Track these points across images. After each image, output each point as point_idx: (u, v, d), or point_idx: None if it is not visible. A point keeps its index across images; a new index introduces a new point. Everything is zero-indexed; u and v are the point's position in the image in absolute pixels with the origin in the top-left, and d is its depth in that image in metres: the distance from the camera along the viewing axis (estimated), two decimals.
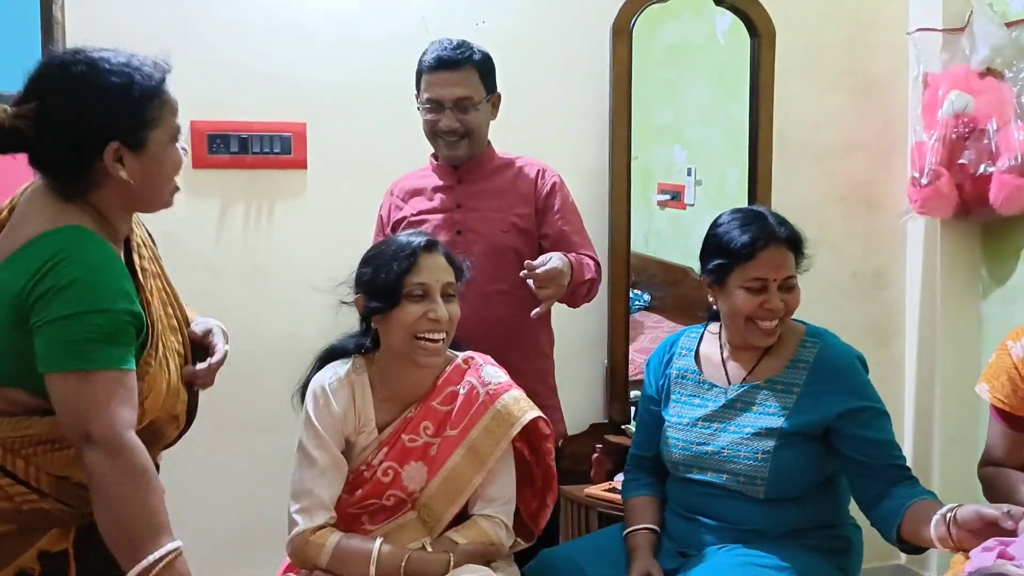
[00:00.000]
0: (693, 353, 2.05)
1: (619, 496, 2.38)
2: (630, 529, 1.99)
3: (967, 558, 1.58)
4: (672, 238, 3.69)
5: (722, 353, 2.01)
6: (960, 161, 2.64)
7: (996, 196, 2.57)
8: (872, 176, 2.98)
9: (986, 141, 2.59)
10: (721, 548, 1.86)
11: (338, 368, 1.86)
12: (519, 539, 1.92)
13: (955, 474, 2.86)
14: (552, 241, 2.34)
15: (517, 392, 1.88)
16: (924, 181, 2.67)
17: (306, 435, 1.81)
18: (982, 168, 2.60)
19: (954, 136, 2.64)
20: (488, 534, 1.81)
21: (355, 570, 1.72)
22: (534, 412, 1.85)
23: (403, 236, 1.88)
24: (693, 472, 1.94)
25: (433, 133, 2.27)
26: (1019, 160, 2.52)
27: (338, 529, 1.78)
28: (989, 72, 2.64)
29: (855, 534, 1.94)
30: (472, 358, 1.92)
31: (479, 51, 2.26)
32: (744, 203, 3.47)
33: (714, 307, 2.03)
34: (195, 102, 2.56)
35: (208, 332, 1.72)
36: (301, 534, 1.75)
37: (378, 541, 1.75)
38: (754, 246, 1.85)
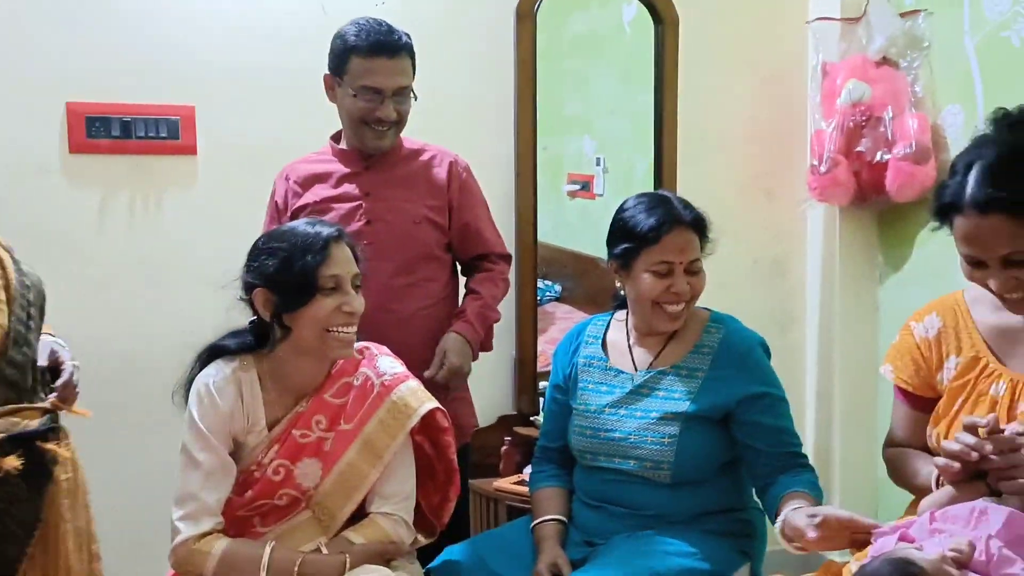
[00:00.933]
0: (600, 341, 2.04)
1: (527, 489, 2.41)
2: (537, 521, 1.96)
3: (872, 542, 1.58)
4: (582, 228, 3.69)
5: (628, 339, 2.00)
6: (857, 149, 2.69)
7: (892, 183, 2.63)
8: (772, 164, 3.01)
9: (882, 129, 2.64)
10: (628, 536, 1.84)
11: (223, 365, 1.77)
12: (420, 536, 1.86)
13: (855, 456, 2.92)
14: (462, 235, 2.31)
15: (414, 383, 1.82)
16: (823, 169, 2.71)
17: (189, 437, 1.71)
18: (878, 156, 2.65)
19: (851, 124, 2.68)
20: (387, 532, 1.74)
21: None
22: (432, 403, 1.80)
23: (306, 226, 1.78)
24: (600, 460, 1.92)
25: (364, 121, 2.18)
26: (913, 148, 2.58)
27: (228, 534, 1.69)
28: (885, 61, 2.69)
29: (758, 518, 1.95)
30: (367, 348, 1.85)
31: (406, 33, 2.19)
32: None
33: (621, 293, 2.02)
34: (71, 81, 2.42)
35: (52, 353, 1.72)
36: (184, 542, 1.66)
37: (269, 545, 1.68)
38: (659, 229, 1.85)
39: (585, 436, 1.95)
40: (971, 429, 1.43)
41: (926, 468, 1.61)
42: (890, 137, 2.63)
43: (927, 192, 2.62)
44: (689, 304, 1.90)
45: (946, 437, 1.59)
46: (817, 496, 1.76)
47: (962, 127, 2.55)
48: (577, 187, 3.72)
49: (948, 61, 2.58)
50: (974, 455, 1.40)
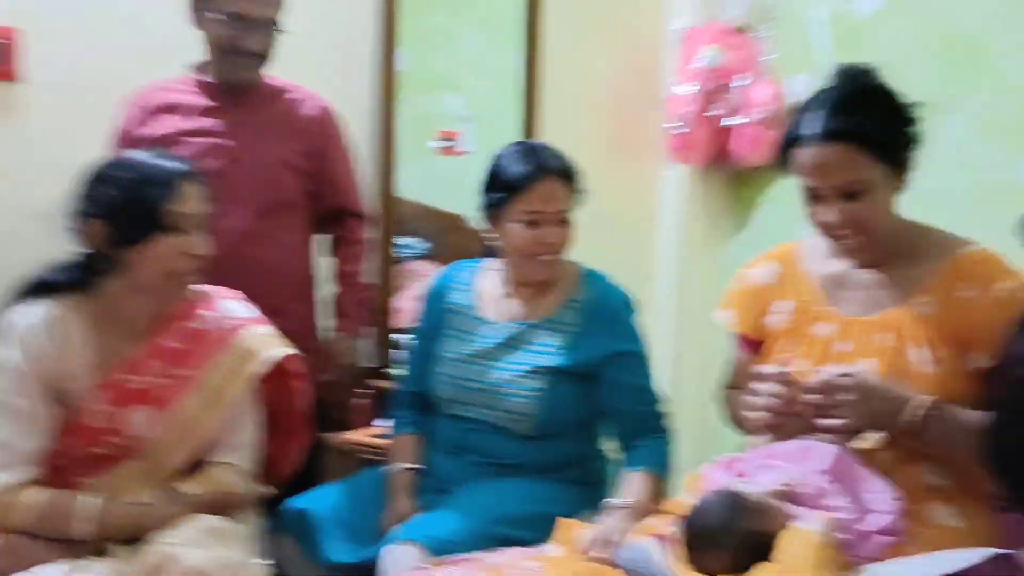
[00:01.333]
0: (470, 288, 2.02)
1: (381, 442, 2.37)
2: (391, 469, 1.96)
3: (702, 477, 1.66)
4: (449, 185, 3.67)
5: (500, 290, 1.99)
6: (712, 113, 2.79)
7: (742, 147, 2.74)
8: (633, 126, 3.08)
9: (735, 95, 2.75)
10: (483, 483, 1.86)
11: (46, 302, 1.63)
12: (265, 487, 1.81)
13: (705, 409, 3.04)
14: (323, 185, 2.25)
15: (262, 328, 1.76)
16: (680, 131, 2.80)
17: (5, 381, 1.58)
18: (731, 120, 2.75)
19: (707, 89, 2.78)
20: (224, 483, 1.68)
21: (64, 530, 1.54)
22: (281, 349, 1.75)
23: (155, 157, 1.68)
24: (462, 409, 1.93)
25: (225, 51, 2.08)
26: (763, 114, 2.69)
27: (49, 484, 1.58)
28: (740, 29, 2.79)
29: (606, 467, 2.01)
30: (210, 291, 1.77)
31: None
32: None
33: (493, 243, 2.01)
34: None
35: None
36: None
37: (91, 496, 1.57)
38: (528, 179, 1.85)
39: (448, 384, 1.95)
40: (766, 377, 1.51)
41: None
42: (742, 103, 2.74)
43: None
44: (559, 254, 1.91)
45: None
46: (659, 470, 1.80)
47: (808, 95, 2.67)
48: (445, 144, 3.70)
49: (798, 31, 2.70)
50: (774, 402, 1.49)
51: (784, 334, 1.70)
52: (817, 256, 1.71)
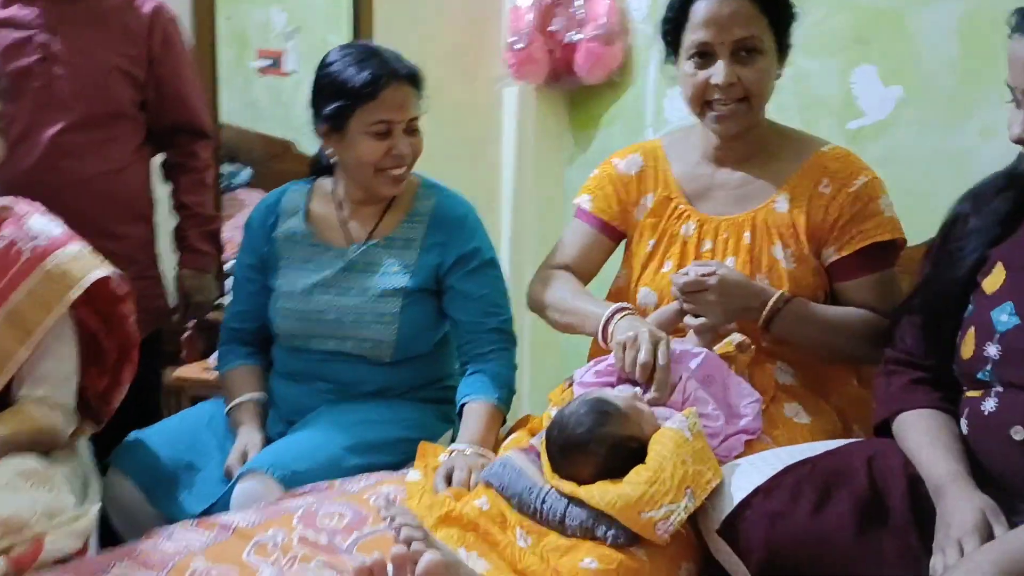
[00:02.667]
0: (303, 213, 1.87)
1: (211, 377, 2.25)
2: (233, 403, 1.81)
3: (566, 388, 1.64)
4: (272, 108, 3.45)
5: (340, 212, 1.85)
6: (551, 28, 2.73)
7: (582, 64, 2.71)
8: (469, 41, 2.97)
9: (574, 9, 2.70)
10: (335, 406, 1.76)
11: None
12: (87, 425, 1.64)
13: (543, 333, 3.04)
14: (161, 97, 2.03)
15: (77, 247, 1.56)
16: (519, 46, 2.72)
17: None
18: (570, 36, 2.71)
19: (546, 3, 2.71)
20: (37, 420, 1.50)
21: None
22: (101, 271, 1.55)
23: None
24: (311, 342, 1.80)
25: None
26: (603, 29, 2.66)
27: None
28: None
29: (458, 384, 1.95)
30: (13, 206, 1.55)
31: None
32: None
33: (327, 162, 1.86)
34: None
35: None
36: None
37: None
38: (376, 84, 1.69)
39: (292, 319, 1.81)
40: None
41: (595, 312, 1.64)
42: (582, 18, 2.69)
43: (614, 74, 2.75)
44: (410, 166, 1.79)
45: (640, 274, 1.68)
46: (500, 401, 1.72)
47: (647, 11, 2.67)
48: (267, 63, 3.45)
49: None
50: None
51: (648, 229, 1.70)
52: (679, 155, 1.72)
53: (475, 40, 2.97)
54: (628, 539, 1.27)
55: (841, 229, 1.58)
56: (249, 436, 1.74)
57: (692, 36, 1.56)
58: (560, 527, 1.32)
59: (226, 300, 2.48)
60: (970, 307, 1.32)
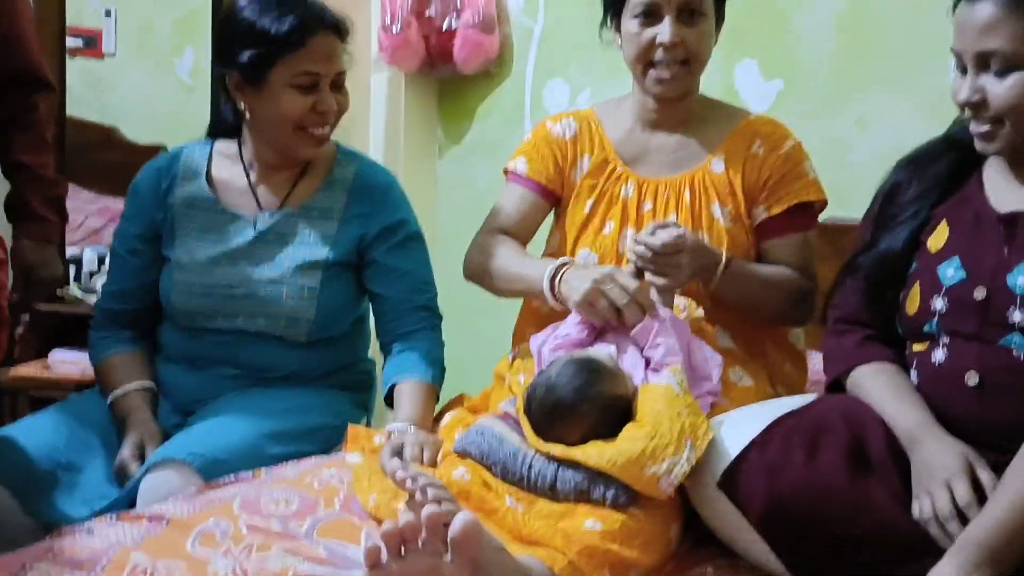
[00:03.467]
0: (204, 176, 1.66)
1: (55, 375, 1.99)
2: (117, 393, 1.56)
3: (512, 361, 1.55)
4: (86, 93, 3.10)
5: (248, 176, 1.66)
6: (428, 14, 2.64)
7: (459, 52, 2.63)
8: None
9: None
10: (240, 393, 1.58)
11: None
12: None
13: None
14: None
15: None
16: (395, 29, 2.61)
17: None
18: (447, 22, 2.63)
19: None
20: None
21: None
22: None
23: None
24: (215, 320, 1.60)
25: None
26: (481, 17, 2.60)
27: None
28: None
29: (373, 369, 1.82)
30: None
31: None
32: (188, 60, 3.06)
33: (231, 121, 1.66)
34: None
35: None
36: None
37: None
38: (303, 30, 1.53)
39: (194, 294, 1.61)
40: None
41: (537, 271, 1.58)
42: (459, 4, 2.62)
43: (490, 64, 2.70)
44: (334, 126, 1.63)
45: (579, 235, 1.63)
46: (433, 378, 1.61)
47: (524, 2, 2.65)
48: (79, 43, 3.10)
49: None
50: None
51: (586, 191, 1.67)
52: (612, 122, 1.71)
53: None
54: (628, 499, 1.20)
55: (771, 189, 1.62)
56: (143, 427, 1.51)
57: None
58: (550, 492, 1.23)
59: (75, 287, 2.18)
60: (913, 265, 1.37)
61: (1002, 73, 1.23)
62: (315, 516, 1.24)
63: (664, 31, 1.55)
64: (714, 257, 1.52)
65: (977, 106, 1.26)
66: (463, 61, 2.64)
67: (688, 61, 1.58)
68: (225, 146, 1.70)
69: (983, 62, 1.24)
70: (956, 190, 1.38)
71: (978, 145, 1.30)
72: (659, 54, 1.56)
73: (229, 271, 1.60)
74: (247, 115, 1.61)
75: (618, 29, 1.63)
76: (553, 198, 1.72)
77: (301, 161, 1.65)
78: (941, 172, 1.40)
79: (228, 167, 1.68)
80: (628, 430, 1.24)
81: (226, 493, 1.28)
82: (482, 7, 2.60)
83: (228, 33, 1.59)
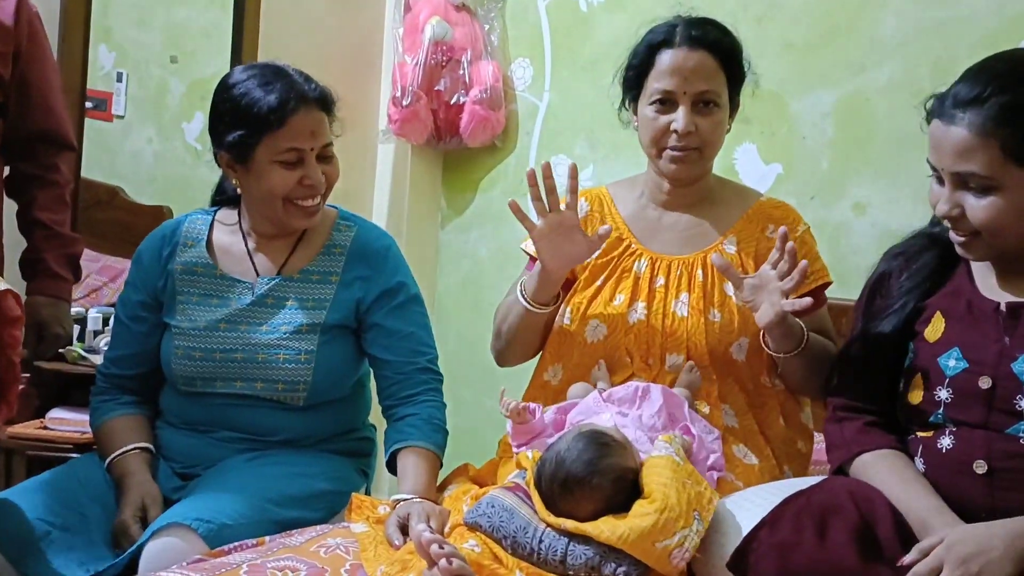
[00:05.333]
0: (204, 243, 1.69)
1: (55, 434, 2.00)
2: (116, 454, 1.56)
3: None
4: (96, 153, 3.15)
5: (247, 244, 1.68)
6: (436, 88, 2.71)
7: (466, 126, 2.70)
8: (349, 92, 2.86)
9: (461, 72, 2.70)
10: (244, 459, 1.57)
11: None
12: None
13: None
14: (24, 98, 1.79)
15: None
16: (405, 102, 2.67)
17: None
18: (456, 97, 2.69)
19: (433, 62, 2.69)
20: None
21: None
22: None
23: None
24: (215, 385, 1.60)
25: None
26: (488, 93, 2.67)
27: None
28: (464, 7, 2.75)
29: (374, 434, 1.81)
30: None
31: None
32: (196, 125, 3.11)
33: (232, 192, 1.69)
34: None
35: None
36: None
37: None
38: (284, 109, 1.55)
39: (193, 360, 1.61)
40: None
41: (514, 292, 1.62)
42: (467, 80, 2.69)
43: (496, 138, 2.76)
44: (325, 195, 1.65)
45: (588, 307, 1.65)
46: (436, 446, 1.60)
47: (530, 80, 2.73)
48: (90, 105, 3.16)
49: (521, 16, 2.74)
50: None
51: (599, 267, 1.69)
52: (624, 199, 1.74)
53: (354, 92, 2.87)
54: (638, 574, 1.20)
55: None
56: (143, 488, 1.51)
57: (656, 83, 1.61)
58: (561, 567, 1.23)
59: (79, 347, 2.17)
60: (911, 355, 1.40)
61: (980, 194, 1.27)
62: None
63: (679, 119, 1.59)
64: (797, 338, 1.53)
65: (956, 219, 1.30)
66: (469, 134, 2.70)
67: (701, 148, 1.62)
68: (226, 215, 1.72)
69: (961, 181, 1.28)
70: (945, 281, 1.41)
71: (959, 251, 1.35)
72: (673, 140, 1.61)
73: (227, 336, 1.61)
74: (236, 190, 1.65)
75: (635, 111, 1.68)
76: (566, 281, 1.71)
77: (296, 230, 1.68)
78: (928, 264, 1.43)
79: (228, 235, 1.70)
80: (638, 505, 1.24)
81: (231, 560, 1.27)
82: (490, 83, 2.68)
83: (215, 114, 1.63)
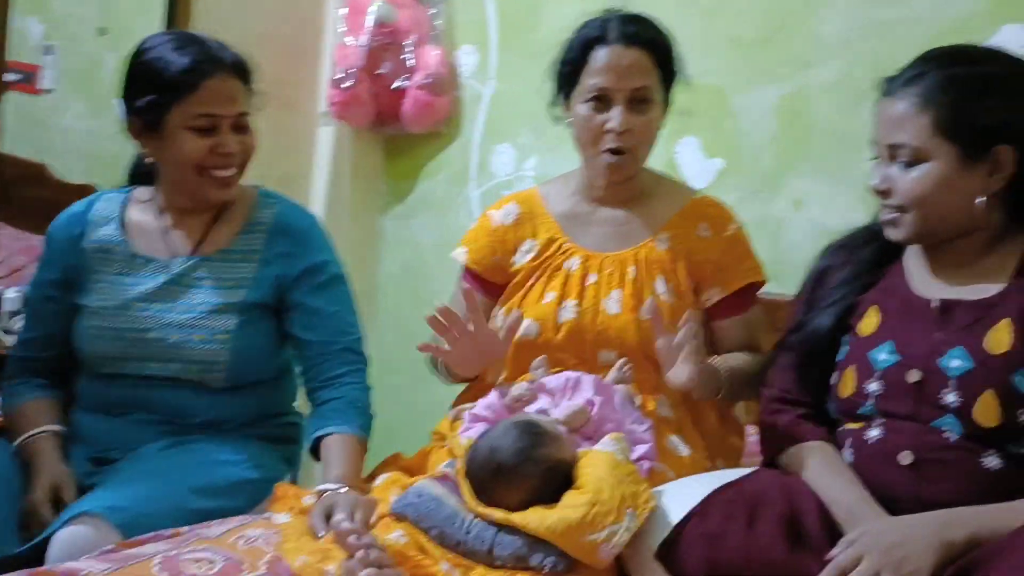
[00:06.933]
0: (118, 221, 1.63)
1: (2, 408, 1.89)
2: (25, 436, 1.51)
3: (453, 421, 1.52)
4: (22, 128, 3.03)
5: (161, 221, 1.62)
6: (379, 71, 2.65)
7: (408, 111, 2.64)
8: (287, 72, 2.80)
9: (404, 56, 2.64)
10: (164, 445, 1.52)
11: None
12: None
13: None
14: None
15: None
16: (345, 85, 2.61)
17: None
18: (399, 82, 2.64)
19: (376, 45, 2.63)
20: None
21: None
22: None
23: None
24: (128, 366, 1.55)
25: None
26: (432, 79, 2.63)
27: None
28: None
29: (302, 420, 1.76)
30: None
31: None
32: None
33: (147, 169, 1.62)
34: None
35: None
36: None
37: None
38: (197, 72, 1.51)
39: (104, 340, 1.55)
40: None
41: None
42: (411, 65, 2.64)
43: (440, 125, 2.71)
44: (242, 168, 1.60)
45: (520, 307, 1.63)
46: (360, 428, 1.56)
47: (476, 67, 2.69)
48: (17, 77, 3.04)
49: (467, 2, 2.69)
50: None
51: (531, 269, 1.68)
52: (557, 197, 1.73)
53: (294, 72, 2.81)
54: (566, 566, 1.18)
55: (722, 271, 1.66)
56: (55, 468, 1.46)
57: (591, 80, 1.59)
58: (488, 558, 1.20)
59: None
60: (844, 348, 1.41)
61: (908, 165, 1.29)
62: None
63: (615, 119, 1.58)
64: (716, 388, 1.53)
65: (884, 193, 1.33)
66: (412, 120, 2.65)
67: (636, 147, 1.61)
68: (142, 192, 1.67)
69: (893, 153, 1.31)
70: (881, 277, 1.43)
71: (886, 232, 1.36)
72: (609, 140, 1.59)
73: (140, 316, 1.56)
74: (153, 161, 1.58)
75: (568, 108, 1.66)
76: (490, 287, 1.71)
77: (213, 205, 1.62)
78: (867, 259, 1.45)
79: (143, 212, 1.64)
80: (569, 496, 1.22)
81: (144, 551, 1.21)
82: (434, 69, 2.63)
83: (129, 77, 1.57)
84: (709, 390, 1.51)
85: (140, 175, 1.68)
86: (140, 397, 1.55)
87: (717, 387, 1.53)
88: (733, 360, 1.60)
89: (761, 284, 1.71)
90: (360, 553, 1.02)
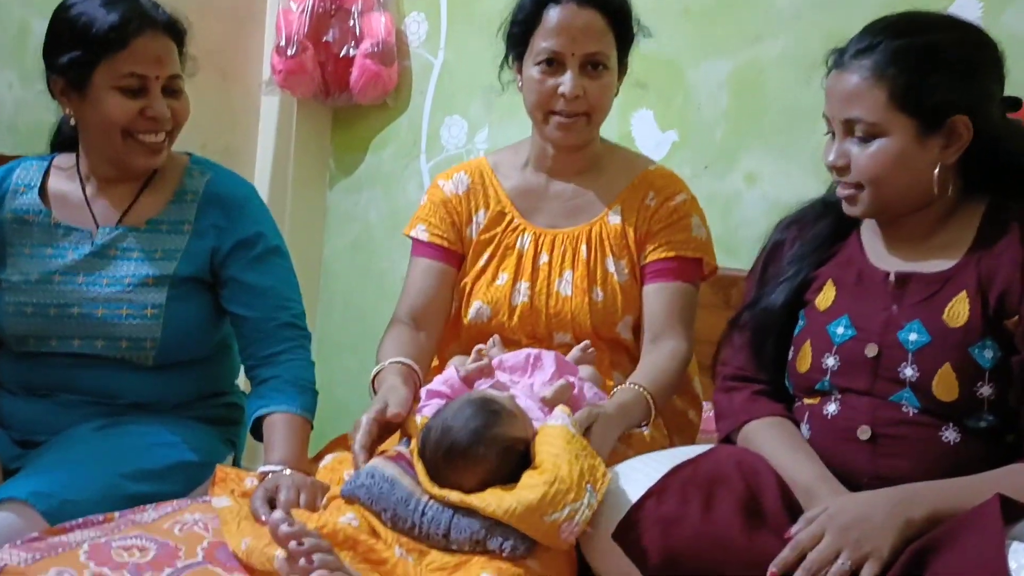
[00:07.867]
0: (37, 190, 1.54)
1: None
2: None
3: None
4: None
5: (84, 190, 1.53)
6: (325, 39, 2.56)
7: (356, 81, 2.56)
8: (228, 43, 2.69)
9: (351, 23, 2.56)
10: (93, 427, 1.44)
11: None
12: None
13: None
14: None
15: None
16: (289, 52, 2.52)
17: None
18: (345, 50, 2.56)
19: (320, 11, 2.54)
20: None
21: None
22: None
23: None
24: (50, 344, 1.47)
25: None
26: (380, 47, 2.55)
27: None
28: None
29: (242, 400, 1.68)
30: None
31: None
32: None
33: (71, 133, 1.54)
34: None
35: None
36: None
37: None
38: (126, 29, 1.43)
39: (25, 316, 1.47)
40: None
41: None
42: (358, 33, 2.56)
43: (388, 96, 2.64)
44: (172, 134, 1.52)
45: (472, 288, 1.58)
46: (303, 408, 1.49)
47: (425, 36, 2.62)
48: None
49: None
50: None
51: (482, 244, 1.64)
52: (508, 170, 1.68)
53: (236, 40, 2.70)
54: (526, 549, 1.14)
55: (656, 236, 1.61)
56: None
57: (543, 43, 1.54)
58: (444, 541, 1.16)
59: None
60: (801, 323, 1.39)
61: (865, 140, 1.27)
62: (175, 566, 1.12)
63: (567, 82, 1.53)
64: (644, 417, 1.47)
65: (841, 170, 1.30)
66: (359, 91, 2.57)
67: (589, 113, 1.56)
68: (64, 159, 1.58)
69: (848, 129, 1.28)
70: (837, 251, 1.41)
71: (844, 208, 1.34)
72: (560, 104, 1.54)
73: (63, 289, 1.47)
74: (75, 123, 1.49)
75: (519, 71, 1.60)
76: (458, 259, 1.66)
77: (140, 173, 1.54)
78: (821, 233, 1.42)
79: (65, 181, 1.56)
80: (527, 476, 1.18)
81: (72, 539, 1.15)
82: (382, 38, 2.55)
83: (52, 32, 1.47)
84: (640, 421, 1.46)
85: (65, 141, 1.59)
86: (65, 377, 1.47)
87: (648, 413, 1.47)
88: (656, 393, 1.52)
89: (697, 263, 1.64)
90: (293, 544, 0.96)
